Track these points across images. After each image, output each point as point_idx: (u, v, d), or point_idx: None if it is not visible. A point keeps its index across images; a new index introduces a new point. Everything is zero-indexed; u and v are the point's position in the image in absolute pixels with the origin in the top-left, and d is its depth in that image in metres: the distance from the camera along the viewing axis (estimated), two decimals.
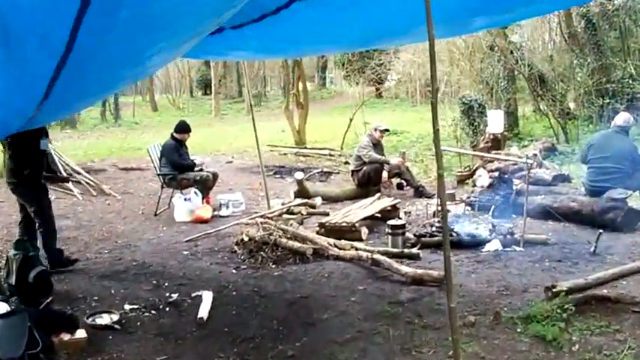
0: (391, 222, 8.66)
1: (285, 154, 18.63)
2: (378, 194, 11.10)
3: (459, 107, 17.21)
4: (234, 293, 7.14)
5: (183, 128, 11.85)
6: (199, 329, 6.11)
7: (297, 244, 8.42)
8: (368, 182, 12.34)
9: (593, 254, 7.81)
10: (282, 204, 11.44)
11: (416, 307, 6.36)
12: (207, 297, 6.82)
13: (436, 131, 4.04)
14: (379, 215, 9.83)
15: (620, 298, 5.88)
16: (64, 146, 19.46)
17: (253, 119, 11.17)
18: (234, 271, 8.03)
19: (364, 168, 12.32)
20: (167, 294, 7.06)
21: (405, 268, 7.14)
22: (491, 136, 13.44)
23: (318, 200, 11.80)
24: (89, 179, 13.95)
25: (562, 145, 15.97)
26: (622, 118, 9.77)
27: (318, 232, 9.23)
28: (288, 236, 8.73)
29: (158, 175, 11.92)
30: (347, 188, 12.87)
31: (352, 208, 10.00)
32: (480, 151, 13.45)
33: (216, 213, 11.39)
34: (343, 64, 41.83)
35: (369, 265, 7.62)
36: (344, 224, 9.06)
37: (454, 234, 8.49)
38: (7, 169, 7.85)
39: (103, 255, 8.86)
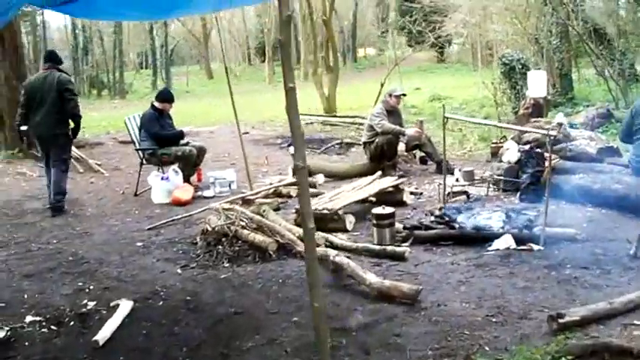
0: (376, 210, 6.88)
1: (311, 123, 16.88)
2: (379, 172, 9.21)
3: (499, 69, 15.18)
4: (160, 303, 5.72)
5: (165, 97, 10.43)
6: (89, 356, 4.71)
7: (259, 238, 6.77)
8: (381, 156, 10.55)
9: (633, 258, 5.82)
10: (270, 183, 9.73)
11: (366, 337, 4.59)
12: (124, 309, 5.46)
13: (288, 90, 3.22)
14: (373, 199, 8.01)
15: None
16: (88, 119, 18.10)
17: (230, 85, 9.42)
18: (179, 270, 6.58)
19: (377, 139, 10.51)
20: (84, 301, 5.80)
21: (370, 278, 5.36)
22: (532, 101, 11.42)
23: (319, 178, 10.12)
24: (77, 154, 12.52)
25: (621, 111, 13.79)
26: None
27: (295, 221, 7.55)
28: (254, 227, 7.02)
29: (137, 150, 10.41)
30: (357, 163, 11.11)
31: (343, 190, 8.20)
32: (519, 118, 11.49)
33: (199, 193, 9.91)
34: (403, 29, 40.52)
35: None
36: (325, 211, 7.28)
37: (456, 226, 6.65)
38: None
39: (48, 246, 7.79)
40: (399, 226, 6.96)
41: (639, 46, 15.63)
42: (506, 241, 6.34)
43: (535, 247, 6.24)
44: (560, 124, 8.61)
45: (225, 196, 9.57)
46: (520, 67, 14.31)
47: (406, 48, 53.33)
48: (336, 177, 10.46)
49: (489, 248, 6.33)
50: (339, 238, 6.94)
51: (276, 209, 8.08)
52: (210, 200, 9.39)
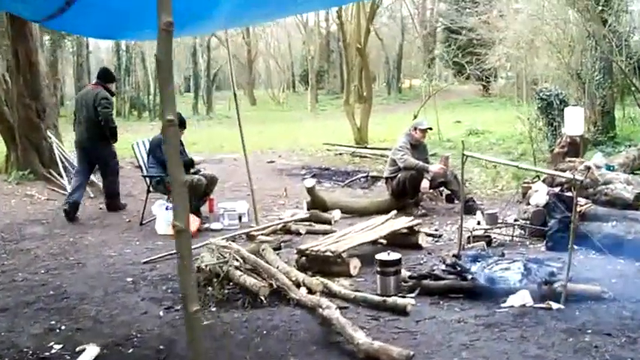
0: (380, 256, 6.19)
1: (340, 153, 16.27)
2: (394, 212, 8.54)
3: (536, 104, 14.41)
4: (130, 351, 5.16)
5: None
6: None
7: (251, 281, 6.14)
8: (403, 193, 9.88)
9: None
10: (280, 218, 9.12)
11: None
12: (88, 356, 4.92)
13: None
14: (383, 241, 7.35)
15: None
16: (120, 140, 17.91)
17: (238, 114, 8.82)
18: (161, 313, 6.03)
19: (399, 175, 9.85)
20: (51, 343, 5.30)
21: (359, 337, 4.71)
22: (568, 139, 10.66)
23: (336, 214, 9.46)
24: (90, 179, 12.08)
25: None
26: None
27: (297, 262, 6.93)
28: (248, 267, 6.41)
29: (144, 177, 9.89)
30: (377, 199, 10.43)
31: (352, 230, 7.54)
32: (554, 157, 10.74)
33: (206, 225, 9.30)
34: (449, 61, 39.92)
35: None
36: (328, 253, 6.63)
37: (469, 277, 5.95)
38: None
39: (34, 276, 7.37)
40: (406, 273, 6.26)
41: None
42: (522, 298, 5.64)
43: (554, 305, 5.52)
44: (588, 168, 7.85)
45: (234, 229, 9.01)
46: (558, 102, 13.52)
47: (451, 80, 53.02)
48: (355, 213, 9.79)
49: (503, 305, 5.63)
50: (339, 284, 6.34)
51: (277, 248, 7.42)
52: (218, 233, 8.83)
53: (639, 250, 6.90)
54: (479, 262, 6.38)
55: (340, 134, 19.48)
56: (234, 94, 9.46)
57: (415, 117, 16.92)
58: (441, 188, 10.31)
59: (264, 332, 5.34)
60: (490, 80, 39.41)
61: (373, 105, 40.32)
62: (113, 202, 10.75)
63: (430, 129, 10.84)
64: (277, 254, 7.28)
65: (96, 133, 10.20)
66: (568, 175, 5.93)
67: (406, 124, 17.13)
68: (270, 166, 14.79)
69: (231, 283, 6.39)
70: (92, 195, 11.68)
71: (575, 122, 10.67)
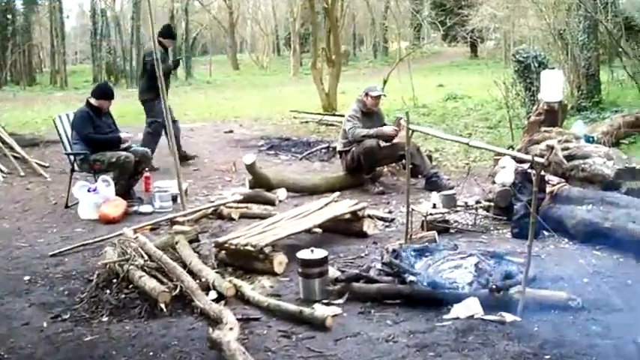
0: (302, 254, 5.14)
1: (306, 122, 15.16)
2: (336, 194, 7.46)
3: (512, 67, 13.31)
4: None
5: (102, 93, 8.82)
6: None
7: (151, 284, 5.09)
8: (359, 167, 8.83)
9: None
10: (210, 201, 8.08)
11: None
12: None
13: None
14: (318, 230, 6.28)
15: None
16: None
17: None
18: (45, 324, 4.98)
19: (352, 148, 8.78)
20: None
21: None
22: (545, 106, 9.57)
23: (281, 194, 8.40)
24: (18, 154, 11.04)
25: None
26: None
27: (216, 257, 5.87)
28: (153, 265, 5.38)
29: (67, 154, 8.79)
30: (330, 176, 9.35)
31: (285, 217, 6.47)
32: (530, 126, 9.68)
33: (135, 208, 8.24)
34: (436, 23, 38.77)
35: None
36: (249, 247, 5.58)
37: (408, 279, 4.90)
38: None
39: None
40: (335, 273, 5.21)
41: None
42: (470, 307, 4.60)
43: (509, 317, 4.48)
44: (551, 148, 6.76)
45: (166, 212, 7.96)
46: (537, 65, 12.42)
47: (439, 42, 51.94)
48: (304, 192, 8.73)
49: (446, 316, 4.59)
50: (259, 286, 5.32)
51: (194, 240, 6.33)
52: (147, 218, 7.82)
53: (618, 240, 5.87)
54: (425, 256, 5.35)
55: (316, 100, 18.31)
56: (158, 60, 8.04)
57: (385, 82, 15.77)
58: (403, 161, 9.19)
59: (151, 354, 4.35)
60: (477, 42, 38.44)
61: (358, 68, 39.58)
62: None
63: (384, 95, 9.72)
64: (197, 246, 6.27)
65: (142, 86, 10.86)
66: (526, 156, 4.84)
67: (391, 87, 16.13)
68: (228, 136, 13.67)
69: (130, 286, 5.33)
70: (22, 173, 10.58)
71: (552, 87, 9.57)
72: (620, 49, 14.23)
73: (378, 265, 5.18)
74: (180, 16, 41.51)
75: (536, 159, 4.38)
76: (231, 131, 14.11)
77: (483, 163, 10.29)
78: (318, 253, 5.09)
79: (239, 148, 12.28)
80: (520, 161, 7.56)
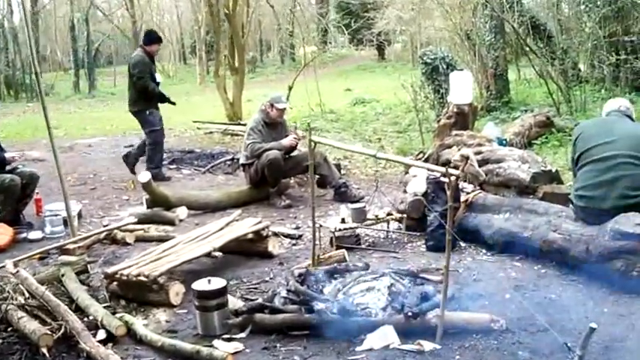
0: (198, 285, 4.61)
1: (211, 132, 14.54)
2: (238, 212, 6.93)
3: (420, 69, 13.05)
4: None
5: None
6: None
7: (32, 326, 4.46)
8: (263, 180, 8.30)
9: None
10: (103, 225, 7.46)
11: None
12: None
13: None
14: (218, 254, 5.72)
15: None
16: None
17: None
18: None
19: (256, 161, 8.26)
20: None
21: None
22: (455, 109, 9.26)
23: (181, 212, 7.82)
24: None
25: (563, 118, 11.73)
26: (618, 102, 5.82)
27: (107, 289, 5.27)
28: (35, 304, 4.77)
29: None
30: (234, 190, 8.80)
31: (181, 241, 5.91)
32: (440, 130, 9.35)
33: (24, 235, 7.46)
34: (345, 26, 38.56)
35: None
36: (141, 278, 5.01)
37: (316, 307, 4.42)
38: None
39: None
40: (237, 304, 4.70)
41: (583, 43, 13.55)
42: (384, 337, 4.15)
43: (427, 345, 4.05)
44: (466, 158, 6.37)
45: (59, 237, 7.28)
46: (445, 66, 12.16)
47: (348, 46, 51.91)
48: (207, 209, 8.17)
49: (359, 348, 4.12)
50: (152, 321, 4.75)
51: (82, 271, 5.70)
52: (39, 244, 7.02)
53: (537, 250, 5.52)
54: (335, 279, 4.89)
55: (221, 109, 17.64)
56: (36, 73, 7.35)
57: (290, 88, 15.29)
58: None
59: None
60: (384, 45, 38.45)
61: (266, 75, 39.08)
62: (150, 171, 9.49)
63: (290, 108, 9.23)
64: (87, 278, 5.66)
65: (131, 98, 10.40)
66: (439, 168, 4.41)
67: (294, 92, 15.66)
68: (127, 151, 12.93)
69: (9, 329, 4.70)
70: None
71: (462, 89, 9.25)
72: (528, 48, 14.10)
73: (284, 292, 4.66)
74: (81, 25, 40.25)
75: (450, 171, 3.95)
76: (131, 145, 13.34)
77: (394, 170, 9.94)
78: (216, 283, 4.57)
79: (139, 163, 11.57)
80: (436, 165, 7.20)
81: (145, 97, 10.09)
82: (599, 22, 12.82)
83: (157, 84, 10.35)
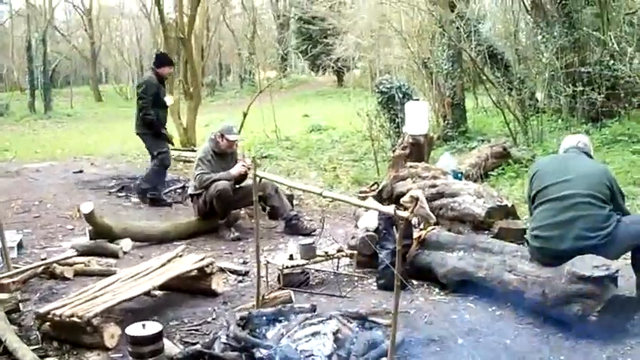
0: (131, 330, 4.29)
1: None
2: (182, 246, 6.64)
3: (376, 98, 12.90)
4: None
5: None
6: None
7: None
8: (212, 212, 8.01)
9: None
10: (42, 259, 7.12)
11: None
12: None
13: None
14: (157, 293, 5.44)
15: None
16: None
17: None
18: None
19: (205, 192, 7.98)
20: None
21: None
22: (411, 139, 9.09)
23: (125, 244, 7.49)
24: None
25: (519, 148, 11.61)
26: (576, 139, 5.57)
27: (39, 330, 4.95)
28: None
29: None
30: (181, 222, 8.50)
31: (120, 278, 5.60)
32: (395, 161, 9.19)
33: None
34: (303, 52, 38.48)
35: None
36: (74, 319, 4.69)
37: (261, 353, 4.16)
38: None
39: None
40: (173, 351, 4.41)
41: (540, 74, 13.51)
42: None
43: None
44: (416, 199, 6.15)
45: None
46: (401, 96, 12.01)
47: (308, 72, 51.93)
48: (152, 240, 7.86)
49: None
50: None
51: (13, 310, 5.36)
52: None
53: (492, 291, 5.31)
54: (279, 322, 4.62)
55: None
56: None
57: (245, 115, 15.03)
58: (261, 203, 8.43)
59: None
60: (343, 71, 38.44)
61: (225, 99, 38.78)
62: (147, 193, 10.12)
63: (241, 140, 8.94)
64: (20, 316, 5.34)
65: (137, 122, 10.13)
66: (388, 209, 4.18)
67: (253, 119, 15.38)
68: (77, 177, 12.53)
69: None
70: None
71: (417, 119, 9.11)
72: (485, 77, 14.02)
73: (224, 338, 4.38)
74: (39, 45, 39.70)
75: (399, 213, 3.71)
76: (81, 171, 12.99)
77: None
78: (151, 328, 4.26)
79: (87, 190, 11.22)
80: (389, 199, 7.03)
81: (143, 121, 9.89)
82: (557, 53, 12.78)
83: (166, 107, 10.26)
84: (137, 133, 10.13)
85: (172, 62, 10.74)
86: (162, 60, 10.29)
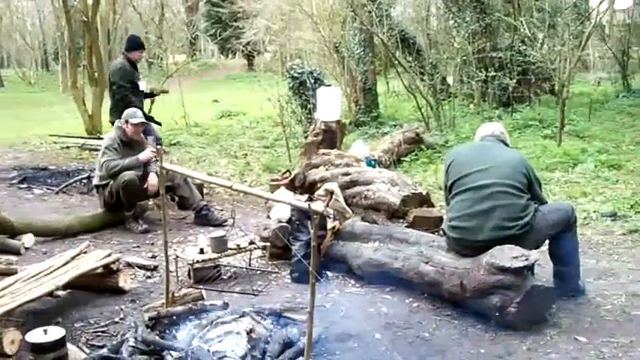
0: (32, 336, 4.02)
1: (68, 147, 13.65)
2: (86, 243, 6.30)
3: (287, 83, 12.72)
4: None
5: None
6: None
7: None
8: (118, 204, 7.68)
9: None
10: None
11: None
12: None
13: None
14: (61, 293, 5.15)
15: None
16: None
17: None
18: None
19: (111, 182, 7.64)
20: None
21: None
22: (323, 126, 8.95)
23: (27, 240, 7.10)
24: None
25: (432, 134, 11.61)
26: (492, 127, 5.49)
27: None
28: None
29: None
30: (86, 215, 8.13)
31: (20, 278, 5.27)
32: (307, 148, 9.05)
33: None
34: (213, 35, 37.98)
35: None
36: None
37: (171, 357, 3.94)
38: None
39: None
40: (78, 354, 4.14)
41: (452, 58, 13.56)
42: None
43: None
44: (331, 193, 6.02)
45: None
46: (312, 81, 11.85)
47: (218, 56, 51.41)
48: (56, 235, 7.48)
49: None
50: None
51: None
52: None
53: (409, 282, 5.20)
54: (190, 321, 4.41)
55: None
56: None
57: (152, 101, 14.62)
58: (170, 193, 8.11)
59: None
60: (254, 55, 38.14)
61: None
62: None
63: (146, 123, 8.57)
64: None
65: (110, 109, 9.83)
66: (302, 204, 4.01)
67: (161, 105, 14.96)
68: None
69: None
70: None
71: (329, 105, 8.98)
72: (397, 62, 13.98)
73: (132, 340, 4.14)
74: None
75: (313, 207, 3.54)
76: None
77: (261, 188, 9.47)
78: (53, 334, 3.99)
79: None
80: (302, 187, 6.88)
81: (124, 108, 8.73)
82: (468, 38, 12.84)
83: (141, 92, 9.80)
84: (111, 122, 9.37)
85: (144, 45, 10.29)
86: (133, 43, 9.83)
